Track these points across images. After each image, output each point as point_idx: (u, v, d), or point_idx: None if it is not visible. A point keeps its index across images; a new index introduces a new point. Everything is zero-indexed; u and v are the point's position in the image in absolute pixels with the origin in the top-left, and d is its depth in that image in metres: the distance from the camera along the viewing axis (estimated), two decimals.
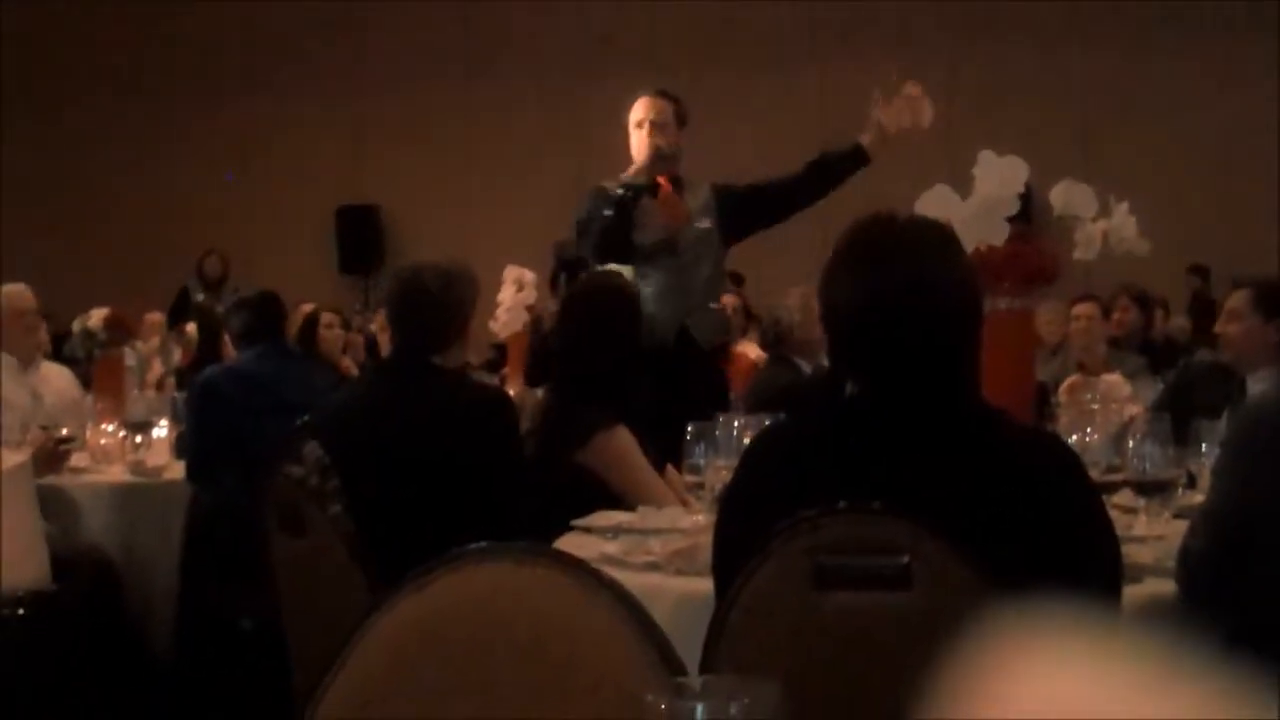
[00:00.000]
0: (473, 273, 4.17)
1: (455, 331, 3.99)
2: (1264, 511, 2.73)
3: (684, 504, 3.88)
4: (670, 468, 4.18)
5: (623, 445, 4.05)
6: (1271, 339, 5.12)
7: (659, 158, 5.55)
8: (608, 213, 5.48)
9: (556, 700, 1.61)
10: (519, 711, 1.61)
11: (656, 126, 5.57)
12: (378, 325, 8.74)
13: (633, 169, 5.61)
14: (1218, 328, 5.39)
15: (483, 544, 1.72)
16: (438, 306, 3.97)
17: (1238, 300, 5.30)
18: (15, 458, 1.14)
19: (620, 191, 5.50)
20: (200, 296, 12.11)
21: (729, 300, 8.91)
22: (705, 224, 5.60)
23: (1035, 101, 12.94)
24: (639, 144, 5.59)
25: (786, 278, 7.11)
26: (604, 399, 4.11)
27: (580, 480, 3.97)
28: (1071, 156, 10.69)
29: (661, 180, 5.50)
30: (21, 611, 1.08)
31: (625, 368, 4.25)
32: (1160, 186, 11.08)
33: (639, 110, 5.62)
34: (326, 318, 8.06)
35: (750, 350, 9.32)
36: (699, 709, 0.96)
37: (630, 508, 3.80)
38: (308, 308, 8.41)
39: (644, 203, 5.48)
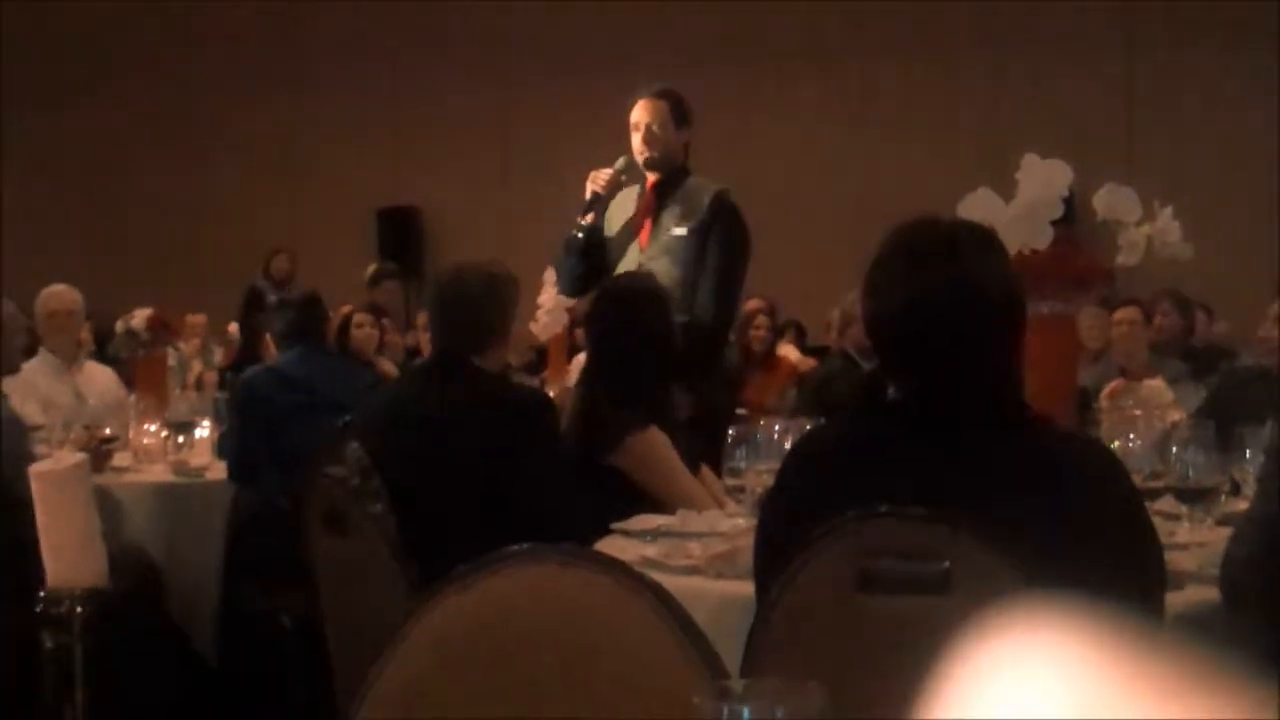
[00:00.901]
0: (513, 275, 4.18)
1: (497, 334, 4.00)
2: None
3: (720, 505, 3.88)
4: (706, 469, 4.19)
5: (655, 447, 4.05)
6: None
7: (648, 164, 5.56)
8: (565, 256, 5.72)
9: (599, 702, 1.61)
10: (562, 714, 1.61)
11: (650, 131, 5.54)
12: (419, 326, 8.76)
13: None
14: (1261, 333, 5.34)
15: (525, 546, 1.73)
16: (479, 309, 3.98)
17: None
18: (73, 457, 1.15)
19: (574, 234, 5.64)
20: (272, 297, 11.95)
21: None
22: (680, 231, 5.45)
23: (1080, 105, 12.88)
24: (634, 148, 5.60)
25: (822, 282, 7.10)
26: (635, 401, 4.12)
27: (615, 482, 3.98)
28: (1117, 160, 10.64)
29: (649, 182, 5.57)
30: (79, 609, 1.09)
31: (656, 369, 4.26)
32: (1205, 190, 11.02)
33: (634, 113, 5.61)
34: (358, 318, 8.09)
35: (790, 353, 9.31)
36: (745, 712, 0.96)
37: (665, 510, 3.81)
38: (346, 309, 8.44)
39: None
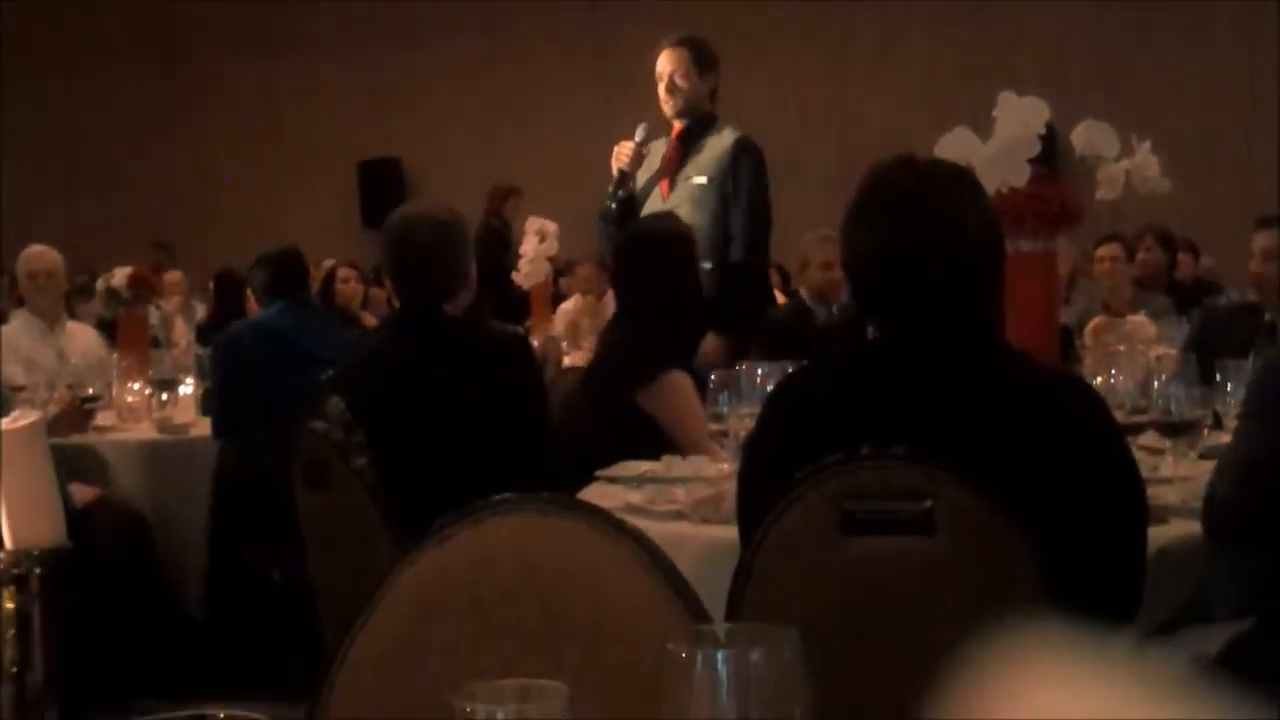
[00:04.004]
0: (461, 217, 4.08)
1: (456, 280, 3.92)
2: None
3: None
4: None
5: (685, 390, 4.10)
6: None
7: (673, 114, 5.61)
8: (603, 224, 5.64)
9: (582, 649, 1.61)
10: (545, 661, 1.61)
11: (672, 81, 5.58)
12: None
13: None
14: (1252, 268, 5.28)
15: (506, 495, 1.72)
16: (433, 261, 3.90)
17: (1270, 239, 5.18)
18: (30, 415, 1.14)
19: (609, 205, 5.62)
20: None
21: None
22: (700, 179, 5.51)
23: (1059, 42, 12.85)
24: (660, 98, 5.63)
25: (803, 225, 7.08)
26: (669, 342, 4.18)
27: (636, 423, 4.03)
28: (1096, 97, 10.61)
29: (674, 130, 5.60)
30: (39, 571, 1.09)
31: (686, 310, 4.29)
32: (1186, 126, 11.01)
33: (658, 63, 5.64)
34: (343, 272, 8.09)
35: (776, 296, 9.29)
36: (719, 657, 0.96)
37: (679, 451, 3.86)
38: (329, 263, 8.44)
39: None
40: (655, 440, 3.95)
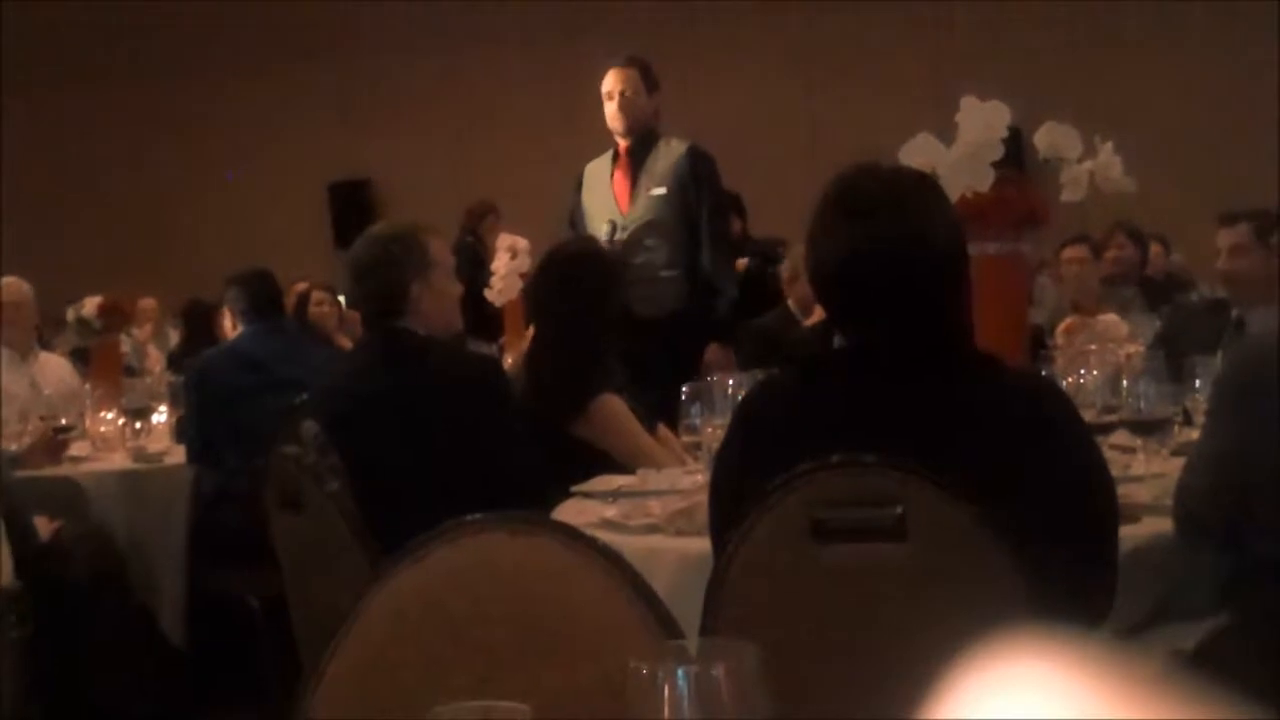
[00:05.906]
0: (413, 234, 3.96)
1: (400, 295, 3.83)
2: (1264, 450, 2.74)
3: (683, 462, 3.90)
4: (662, 426, 4.20)
5: (615, 412, 4.07)
6: (1275, 270, 5.00)
7: (624, 131, 5.77)
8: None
9: (555, 667, 1.62)
10: (518, 680, 1.62)
11: (623, 98, 5.74)
12: None
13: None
14: (1220, 264, 5.27)
15: (477, 515, 1.73)
16: (372, 275, 3.87)
17: (1239, 235, 5.16)
18: None
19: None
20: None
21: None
22: (659, 190, 5.68)
23: (1026, 46, 12.88)
24: (609, 116, 5.79)
25: (769, 231, 7.12)
26: (588, 367, 4.13)
27: (579, 451, 3.98)
28: (1065, 101, 10.65)
29: (621, 148, 5.78)
30: None
31: (609, 334, 4.26)
32: (1154, 122, 11.06)
33: (606, 82, 5.80)
34: (317, 295, 8.08)
35: None
36: (681, 673, 0.97)
37: (632, 473, 3.81)
38: (301, 286, 8.42)
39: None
40: (601, 465, 3.92)
